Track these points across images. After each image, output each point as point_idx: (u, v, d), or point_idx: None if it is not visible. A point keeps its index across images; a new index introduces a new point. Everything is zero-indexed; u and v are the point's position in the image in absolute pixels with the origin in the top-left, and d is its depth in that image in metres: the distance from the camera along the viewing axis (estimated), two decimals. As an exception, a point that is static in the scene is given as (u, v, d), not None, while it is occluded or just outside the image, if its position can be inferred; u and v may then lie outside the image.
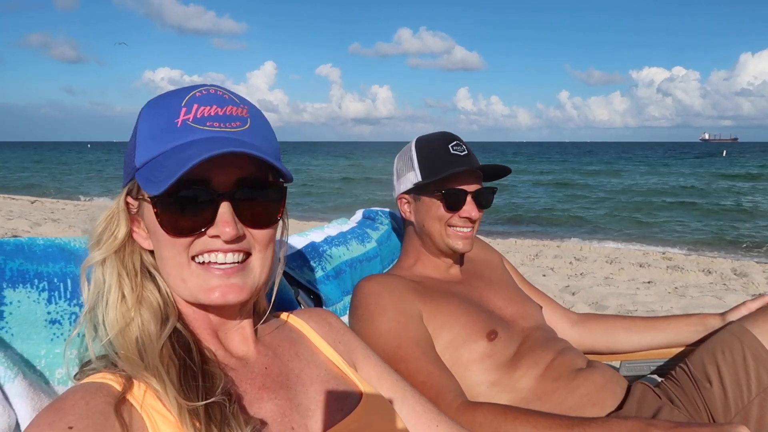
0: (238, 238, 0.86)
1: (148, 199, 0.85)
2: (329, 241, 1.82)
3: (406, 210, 1.74)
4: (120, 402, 0.76)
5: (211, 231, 0.85)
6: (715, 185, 24.98)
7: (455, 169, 1.60)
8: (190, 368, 0.82)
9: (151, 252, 0.90)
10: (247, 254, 0.89)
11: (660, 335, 1.82)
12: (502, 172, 1.70)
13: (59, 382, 0.93)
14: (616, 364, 1.86)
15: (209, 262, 0.86)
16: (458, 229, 1.65)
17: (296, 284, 1.57)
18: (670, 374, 1.67)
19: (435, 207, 1.64)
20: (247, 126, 0.88)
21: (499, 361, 1.51)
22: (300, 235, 1.81)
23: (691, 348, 1.74)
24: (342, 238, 1.85)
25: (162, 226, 0.84)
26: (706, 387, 1.53)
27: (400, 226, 2.10)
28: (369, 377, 1.11)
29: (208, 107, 0.86)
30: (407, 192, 1.71)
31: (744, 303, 1.75)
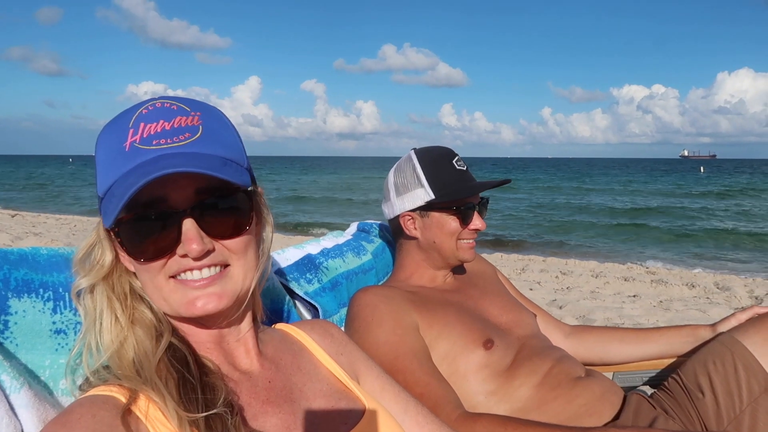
0: (208, 252, 0.84)
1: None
2: (325, 253, 1.82)
3: (411, 227, 1.70)
4: (126, 413, 0.76)
5: (179, 250, 0.82)
6: (692, 204, 25.08)
7: (475, 188, 1.65)
8: (189, 381, 0.82)
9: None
10: (224, 265, 0.87)
11: (652, 346, 1.84)
12: (503, 184, 1.74)
13: (63, 393, 0.92)
14: (609, 375, 1.88)
15: (186, 280, 0.84)
16: (466, 241, 1.68)
17: (293, 296, 1.57)
18: (663, 385, 1.69)
19: (449, 223, 1.66)
20: (197, 135, 0.84)
21: (497, 370, 1.51)
22: (296, 247, 1.81)
23: (683, 359, 1.76)
24: (338, 251, 1.86)
25: (129, 254, 0.83)
26: (699, 397, 1.55)
27: (393, 240, 2.11)
28: (372, 389, 1.11)
29: (154, 124, 0.83)
30: (414, 209, 1.69)
31: (734, 314, 1.78)
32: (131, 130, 0.83)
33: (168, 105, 0.86)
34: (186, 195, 0.82)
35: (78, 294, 0.89)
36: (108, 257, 0.87)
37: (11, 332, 0.88)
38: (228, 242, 0.86)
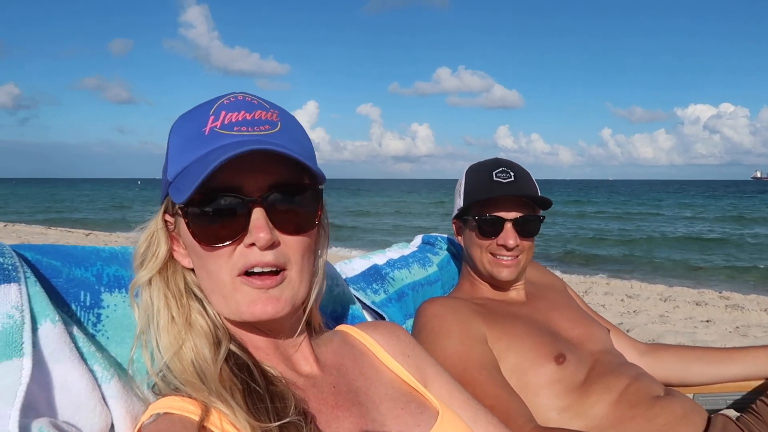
0: (273, 245, 0.83)
1: (179, 212, 0.83)
2: (391, 264, 1.82)
3: (458, 234, 1.77)
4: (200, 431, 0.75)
5: (246, 239, 0.82)
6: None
7: (487, 195, 1.60)
8: (255, 390, 0.80)
9: (193, 271, 0.89)
10: (283, 269, 0.85)
11: (736, 367, 1.73)
12: (540, 202, 1.63)
13: (147, 386, 0.94)
14: (689, 396, 1.78)
15: (248, 274, 0.83)
16: (500, 257, 1.61)
17: (361, 305, 1.57)
18: (750, 408, 1.58)
19: (474, 233, 1.65)
20: (277, 129, 0.86)
21: (570, 385, 1.46)
22: (362, 257, 1.82)
23: (772, 381, 1.65)
24: (404, 262, 1.86)
25: (194, 237, 0.82)
26: (792, 421, 1.45)
27: (459, 252, 2.10)
28: (440, 394, 1.07)
29: (236, 113, 0.84)
30: (456, 217, 1.75)
31: None
32: (212, 117, 0.84)
33: (249, 99, 0.87)
34: (259, 185, 0.83)
35: (135, 293, 0.88)
36: (163, 248, 0.87)
37: (103, 325, 0.92)
38: (292, 239, 0.85)
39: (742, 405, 1.71)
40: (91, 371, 0.84)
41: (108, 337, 0.92)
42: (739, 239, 19.79)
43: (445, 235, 2.17)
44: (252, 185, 0.83)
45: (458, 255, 2.06)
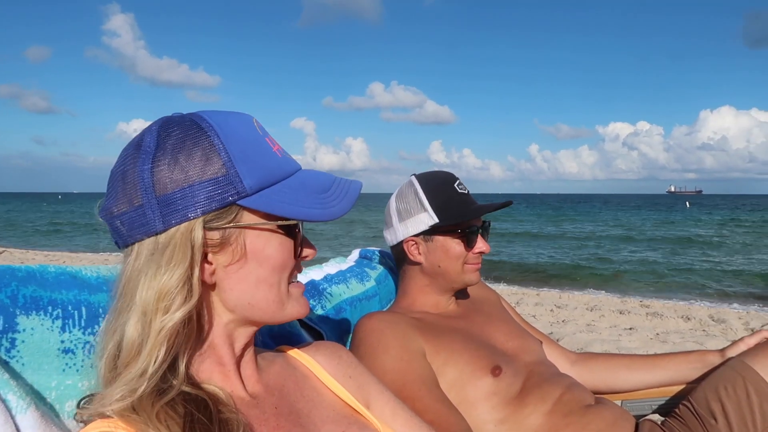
0: None
1: (273, 226, 0.84)
2: (329, 279, 1.79)
3: (415, 252, 1.69)
4: None
5: (305, 252, 0.91)
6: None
7: (479, 210, 1.65)
8: (199, 420, 0.76)
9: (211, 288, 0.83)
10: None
11: (661, 373, 1.81)
12: (505, 206, 1.74)
13: (69, 416, 0.88)
14: (617, 403, 1.85)
15: (294, 282, 0.91)
16: (472, 264, 1.68)
17: (298, 321, 1.54)
18: (674, 412, 1.66)
19: (453, 247, 1.65)
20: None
21: (506, 397, 1.48)
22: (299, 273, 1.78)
23: (693, 385, 1.74)
24: (341, 277, 1.83)
25: (296, 249, 0.88)
26: (712, 424, 1.53)
27: (395, 266, 2.09)
28: (382, 414, 1.07)
29: (272, 139, 0.92)
30: (418, 234, 1.68)
31: (742, 339, 1.76)
32: (268, 139, 0.90)
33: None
34: None
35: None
36: (197, 273, 0.78)
37: (18, 351, 0.85)
38: None
39: (666, 409, 1.79)
40: (4, 401, 0.77)
41: (24, 364, 0.85)
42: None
43: (381, 249, 2.16)
44: None
45: (395, 269, 2.06)
